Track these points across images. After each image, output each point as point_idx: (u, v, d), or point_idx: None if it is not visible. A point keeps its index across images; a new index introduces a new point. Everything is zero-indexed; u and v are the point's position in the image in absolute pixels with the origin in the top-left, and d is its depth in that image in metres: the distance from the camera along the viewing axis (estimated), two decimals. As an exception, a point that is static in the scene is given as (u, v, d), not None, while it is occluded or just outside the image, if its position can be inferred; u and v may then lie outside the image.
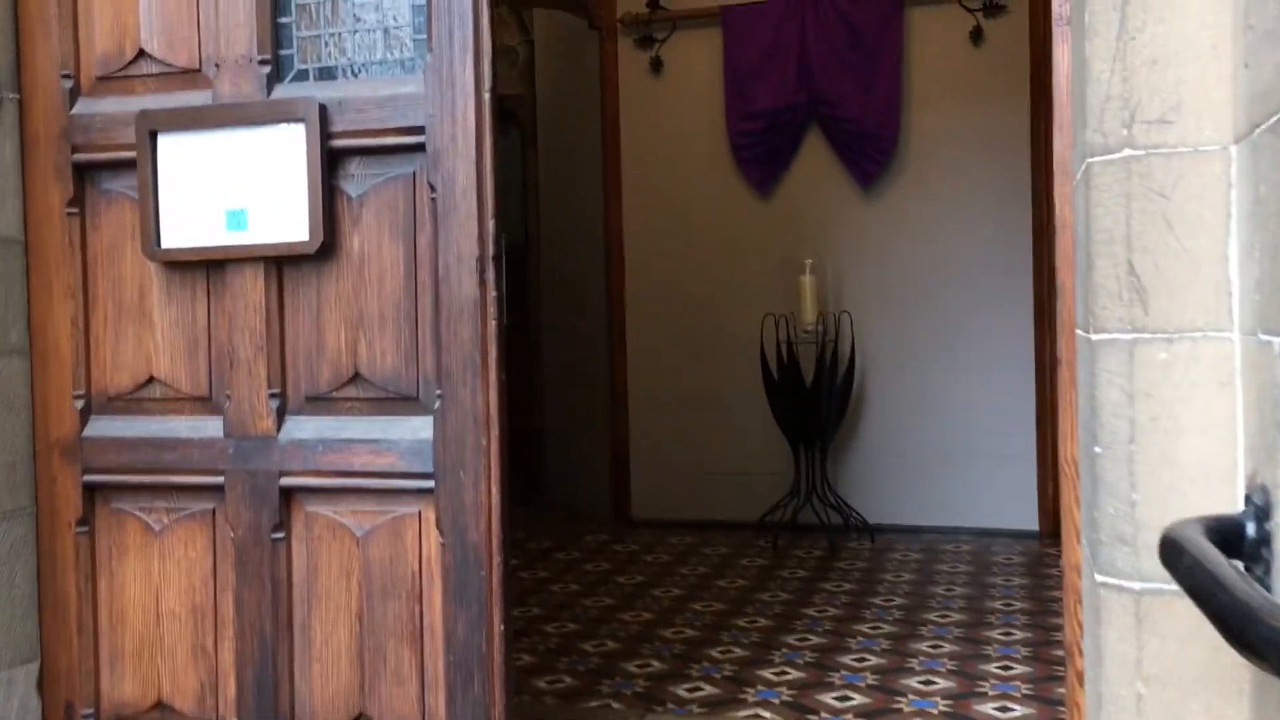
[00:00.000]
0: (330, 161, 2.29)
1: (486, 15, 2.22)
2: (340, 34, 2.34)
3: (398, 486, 2.27)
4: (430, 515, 2.26)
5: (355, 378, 2.31)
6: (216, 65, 2.35)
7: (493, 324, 2.22)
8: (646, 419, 6.26)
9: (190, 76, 2.39)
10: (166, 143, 2.36)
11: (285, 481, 2.32)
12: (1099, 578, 1.58)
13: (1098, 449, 1.58)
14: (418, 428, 2.26)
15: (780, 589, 4.74)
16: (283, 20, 2.36)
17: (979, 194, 5.73)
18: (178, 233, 2.36)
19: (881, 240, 5.85)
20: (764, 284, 5.94)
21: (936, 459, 5.80)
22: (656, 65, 6.16)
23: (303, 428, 2.32)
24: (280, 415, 2.33)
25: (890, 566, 5.10)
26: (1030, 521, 5.67)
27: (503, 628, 2.20)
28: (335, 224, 2.30)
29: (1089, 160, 1.58)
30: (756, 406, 5.90)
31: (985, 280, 5.72)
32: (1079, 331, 1.71)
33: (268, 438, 2.32)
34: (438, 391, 2.24)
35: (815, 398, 5.64)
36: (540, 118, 7.28)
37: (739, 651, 3.88)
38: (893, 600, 4.50)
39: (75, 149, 2.43)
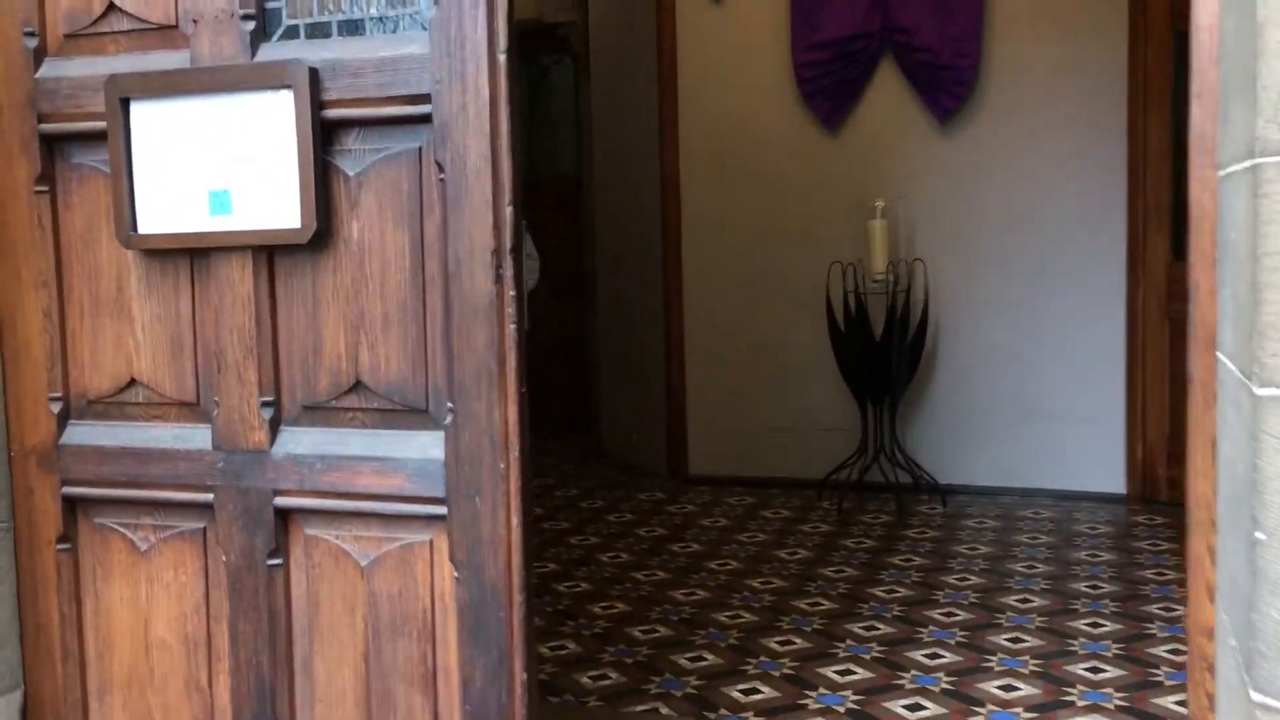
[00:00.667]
0: (324, 135, 1.97)
1: (501, -37, 1.87)
2: (335, -17, 2.01)
3: (406, 511, 1.98)
4: (443, 544, 1.97)
5: (357, 385, 2.01)
6: (194, 21, 2.03)
7: (511, 328, 1.90)
8: (704, 371, 5.93)
9: (166, 34, 2.07)
10: (140, 112, 2.05)
11: (281, 501, 2.04)
12: (1257, 696, 1.24)
13: (1259, 535, 1.23)
14: (427, 445, 1.96)
15: (845, 563, 4.43)
16: (269, -33, 2.03)
17: (1067, 129, 5.25)
18: (156, 216, 2.06)
19: (959, 180, 5.40)
20: (830, 228, 5.53)
21: (1015, 417, 5.41)
22: (716, -10, 5.71)
23: (299, 441, 2.03)
24: (274, 426, 2.04)
25: (964, 536, 4.76)
26: (1116, 484, 5.28)
27: (525, 677, 1.92)
28: (331, 208, 1.99)
29: (1261, 160, 1.20)
30: (821, 359, 5.54)
31: (1072, 224, 5.26)
32: (1236, 371, 1.35)
33: (260, 451, 2.04)
34: (449, 404, 1.94)
35: (885, 352, 5.26)
36: (594, 45, 6.87)
37: (799, 643, 3.58)
38: (967, 580, 4.17)
39: (42, 118, 2.13)
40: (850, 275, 5.30)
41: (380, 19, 1.98)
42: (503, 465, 1.91)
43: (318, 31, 2.01)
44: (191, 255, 2.07)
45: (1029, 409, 5.38)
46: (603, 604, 4.01)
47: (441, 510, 1.95)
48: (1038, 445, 5.39)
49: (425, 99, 1.91)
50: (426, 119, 1.92)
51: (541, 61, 7.95)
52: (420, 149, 1.95)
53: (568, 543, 4.83)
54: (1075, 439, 5.33)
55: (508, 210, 1.89)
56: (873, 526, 4.98)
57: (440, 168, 1.92)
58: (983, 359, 5.43)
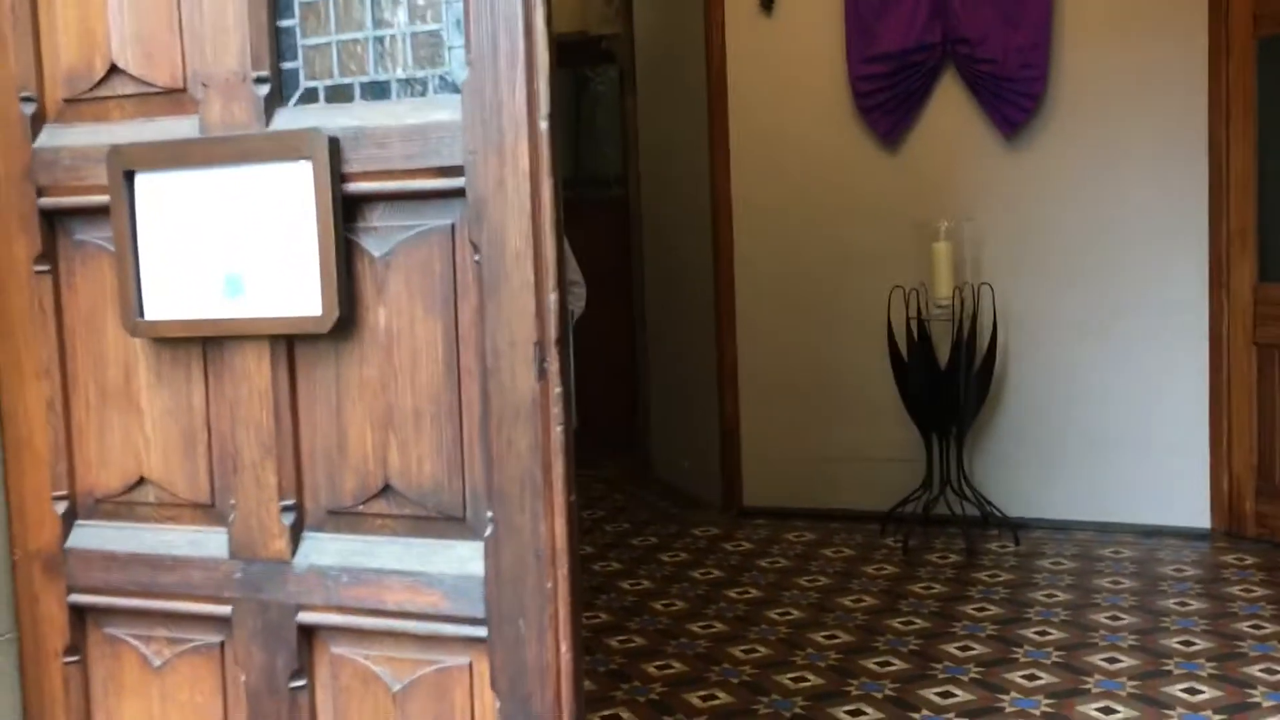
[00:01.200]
0: (346, 211, 1.76)
1: (541, 14, 1.65)
2: (357, 41, 1.79)
3: (442, 632, 1.77)
4: (483, 669, 1.75)
5: (386, 489, 1.80)
6: (204, 84, 1.83)
7: (557, 430, 1.68)
8: (759, 398, 5.69)
9: (174, 99, 1.87)
10: (145, 186, 1.85)
11: (304, 618, 1.83)
12: None
13: None
14: (465, 558, 1.75)
15: (914, 612, 4.17)
16: (283, 23, 1.81)
17: (1142, 144, 4.96)
18: (165, 301, 1.86)
19: (1028, 199, 5.12)
20: (891, 251, 5.27)
21: (1091, 447, 5.12)
22: (768, 2, 5.46)
23: (323, 550, 1.83)
24: (295, 533, 1.84)
25: (1040, 580, 4.48)
26: (1201, 519, 4.97)
27: (577, 824, 1.70)
28: (355, 292, 1.78)
29: None
30: (882, 387, 5.27)
31: (1149, 244, 4.97)
32: None
33: (281, 562, 1.84)
34: (489, 513, 1.72)
35: (951, 382, 4.99)
36: (639, 58, 6.65)
37: (870, 712, 3.34)
38: (1047, 634, 3.90)
39: (41, 191, 1.94)
40: (913, 301, 5.04)
41: (408, 81, 1.76)
42: (550, 584, 1.69)
43: (339, 95, 1.80)
44: (204, 343, 1.87)
45: (1106, 439, 5.09)
46: (658, 663, 3.79)
47: (481, 632, 1.74)
48: (1116, 477, 5.10)
49: (458, 171, 1.70)
50: (460, 193, 1.70)
51: (586, 74, 7.75)
52: (453, 226, 1.73)
53: (619, 588, 4.61)
54: (1155, 470, 5.03)
55: (552, 298, 1.67)
56: (941, 568, 4.72)
57: (475, 248, 1.70)
58: (1056, 387, 5.15)
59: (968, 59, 5.07)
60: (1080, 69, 5.00)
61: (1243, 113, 4.79)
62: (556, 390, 1.68)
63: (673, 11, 6.06)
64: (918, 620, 4.09)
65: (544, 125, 1.66)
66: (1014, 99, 5.04)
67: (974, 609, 4.18)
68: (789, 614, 4.22)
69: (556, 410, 1.68)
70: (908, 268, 5.15)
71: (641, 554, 5.08)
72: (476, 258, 1.71)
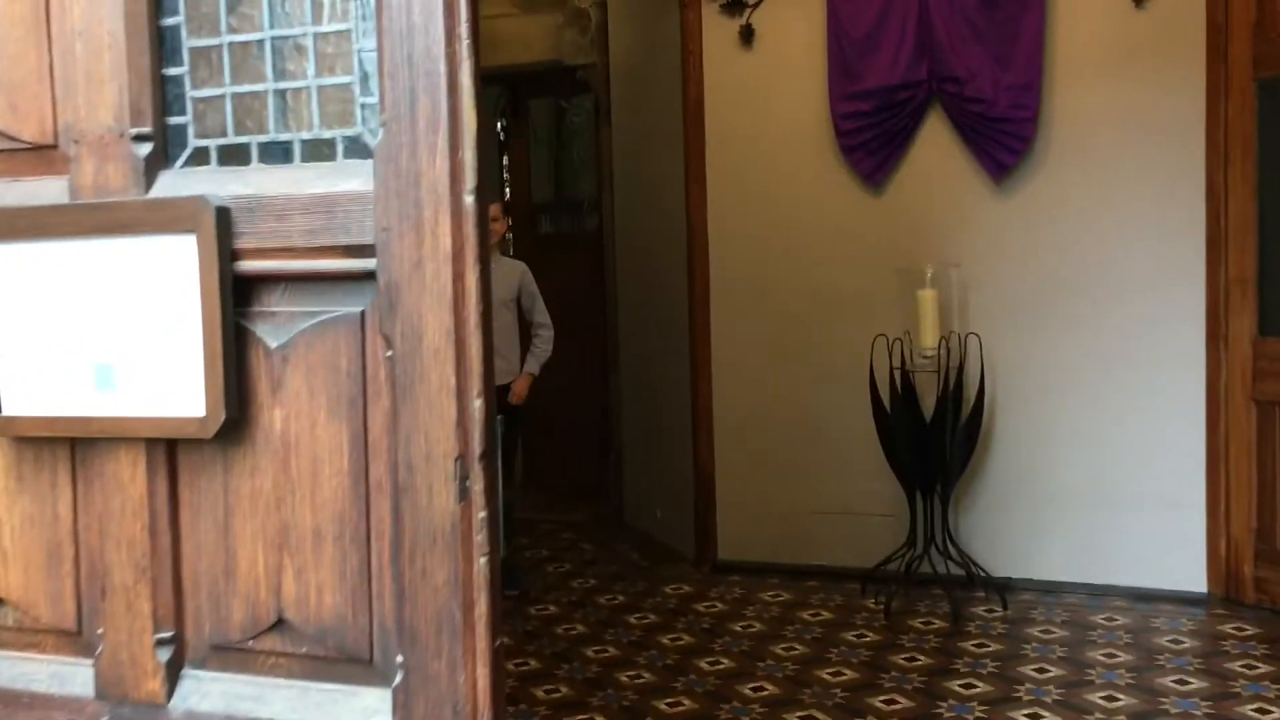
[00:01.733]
0: (238, 293, 1.49)
1: (468, 68, 1.39)
2: (255, 95, 1.52)
3: (343, 797, 1.48)
4: (393, 841, 1.47)
5: (280, 623, 1.52)
6: (75, 141, 1.56)
7: (481, 561, 1.41)
8: (735, 446, 5.43)
9: (43, 156, 1.60)
10: (4, 258, 1.57)
11: (183, 773, 1.55)
12: None
13: None
14: (371, 709, 1.47)
15: (897, 689, 3.90)
16: (170, 71, 1.55)
17: (1137, 189, 4.73)
18: (26, 394, 1.59)
19: (1017, 245, 4.88)
20: (875, 296, 5.02)
21: (1082, 505, 4.87)
22: (747, 34, 5.23)
23: (205, 693, 1.55)
24: (173, 672, 1.56)
25: (1030, 651, 4.21)
26: (1197, 582, 4.72)
27: None
28: (247, 389, 1.50)
29: None
30: (864, 439, 5.02)
31: (1144, 294, 4.73)
32: None
33: (154, 705, 1.55)
34: (399, 657, 1.45)
35: (936, 436, 4.74)
36: (615, 89, 6.41)
37: (849, 812, 3.07)
38: (1040, 716, 3.63)
39: (-110, 260, 1.66)
40: (897, 350, 4.79)
41: (314, 142, 1.50)
42: (470, 747, 1.41)
43: (233, 157, 1.53)
44: (72, 444, 1.59)
45: (1098, 497, 4.84)
46: (620, 749, 3.51)
47: (391, 798, 1.46)
48: (1108, 537, 4.84)
49: (369, 251, 1.43)
50: (370, 276, 1.44)
51: (561, 104, 7.50)
52: (363, 315, 1.47)
53: (584, 656, 4.32)
54: (1150, 531, 4.78)
55: (477, 404, 1.40)
56: (925, 635, 4.45)
57: (388, 342, 1.43)
58: (1046, 442, 4.90)
59: (956, 98, 4.84)
60: (1073, 110, 4.77)
61: (1242, 157, 4.57)
62: (481, 514, 1.41)
63: (649, 42, 5.83)
64: (901, 699, 3.82)
65: (469, 200, 1.40)
66: (1004, 140, 4.80)
67: (960, 685, 3.91)
68: (763, 689, 3.94)
69: (480, 538, 1.41)
70: (892, 314, 4.90)
71: (608, 614, 4.79)
72: (389, 353, 1.44)
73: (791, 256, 5.22)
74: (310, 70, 1.49)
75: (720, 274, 5.38)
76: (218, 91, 1.53)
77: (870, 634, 4.48)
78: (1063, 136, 4.79)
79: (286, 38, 1.49)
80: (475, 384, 1.40)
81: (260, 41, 1.50)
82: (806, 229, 5.19)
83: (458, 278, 1.40)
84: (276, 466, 1.50)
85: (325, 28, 1.48)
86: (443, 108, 1.39)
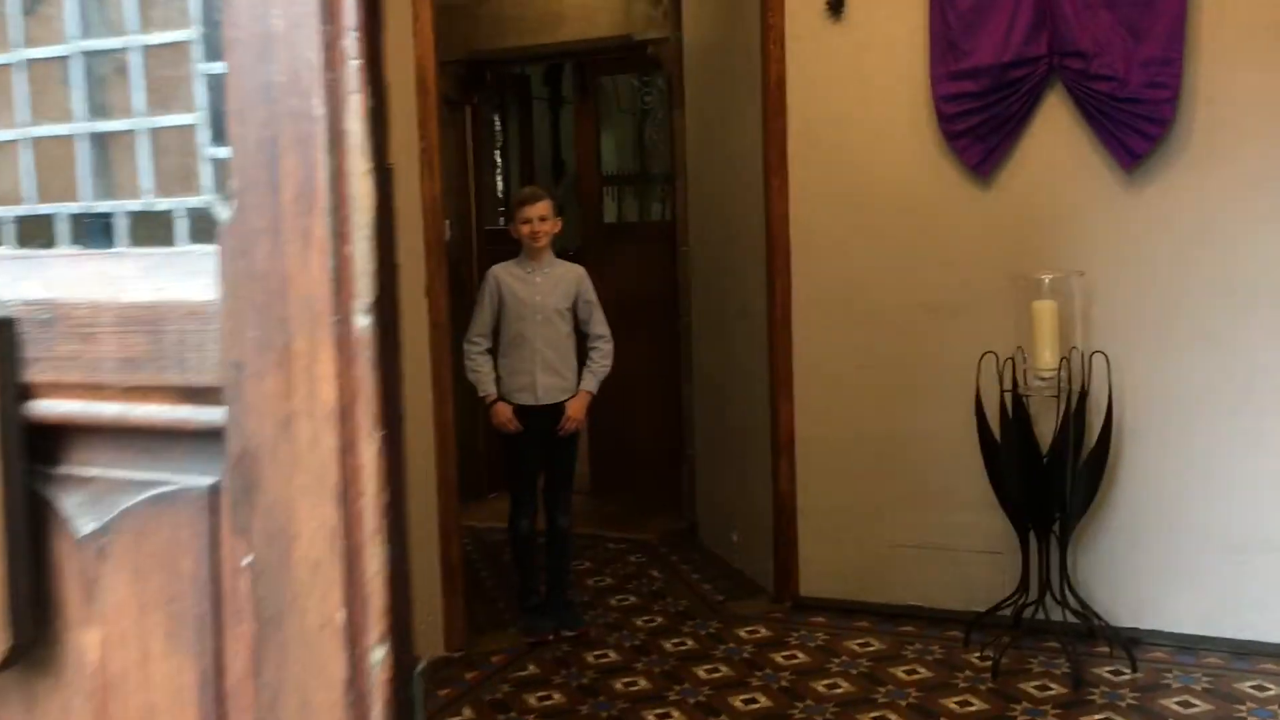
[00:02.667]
0: (33, 450, 0.96)
1: (356, 108, 0.83)
2: (59, 141, 0.99)
3: None
4: None
5: None
6: None
7: None
8: (820, 468, 4.85)
9: None
10: None
11: None
12: None
13: None
14: None
15: (1009, 782, 3.32)
16: (-55, 104, 1.02)
17: (1298, 180, 4.02)
18: None
19: (1151, 248, 4.21)
20: (983, 307, 4.39)
21: (1221, 548, 4.20)
22: (836, 5, 4.59)
23: None
24: None
25: (1166, 732, 3.59)
26: (1363, 644, 4.04)
27: None
28: (48, 597, 0.98)
29: None
30: (968, 465, 4.41)
31: (1304, 304, 4.03)
32: None
33: None
34: None
35: (1054, 469, 4.11)
36: (688, 68, 5.82)
37: None
38: (1185, 832, 3.03)
39: None
40: (1009, 370, 4.15)
41: (144, 216, 0.96)
42: None
43: (36, 232, 1.00)
44: None
45: (1240, 538, 4.18)
46: None
47: None
48: (1253, 585, 4.18)
49: (212, 396, 0.89)
50: (216, 436, 0.90)
51: (632, 82, 6.92)
52: (214, 490, 0.93)
53: (642, 718, 3.80)
54: (1306, 582, 4.10)
55: (376, 655, 0.86)
56: (1041, 703, 3.84)
57: (247, 542, 0.90)
58: (1181, 476, 4.23)
59: (1080, 76, 4.17)
60: (1219, 90, 4.07)
61: None
62: (388, 834, 0.87)
63: (725, 14, 5.22)
64: (1014, 797, 3.24)
65: (363, 322, 0.85)
66: (1137, 125, 4.12)
67: (1086, 780, 3.32)
68: (850, 777, 3.38)
69: None
70: (1003, 328, 4.27)
71: (675, 665, 4.26)
72: (248, 559, 0.90)
73: (886, 258, 4.60)
74: (140, 105, 0.95)
75: (804, 276, 4.79)
76: (10, 135, 1.00)
77: (976, 700, 3.89)
78: (1207, 121, 4.09)
79: (103, 53, 0.96)
80: (376, 623, 0.86)
81: (66, 58, 0.97)
82: (903, 227, 4.56)
83: (347, 449, 0.85)
84: (93, 711, 0.98)
85: (157, 37, 0.94)
86: (320, 171, 0.84)
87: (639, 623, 4.73)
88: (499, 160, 7.52)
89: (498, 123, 7.55)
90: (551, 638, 4.52)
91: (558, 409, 4.51)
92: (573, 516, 4.72)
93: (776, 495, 4.93)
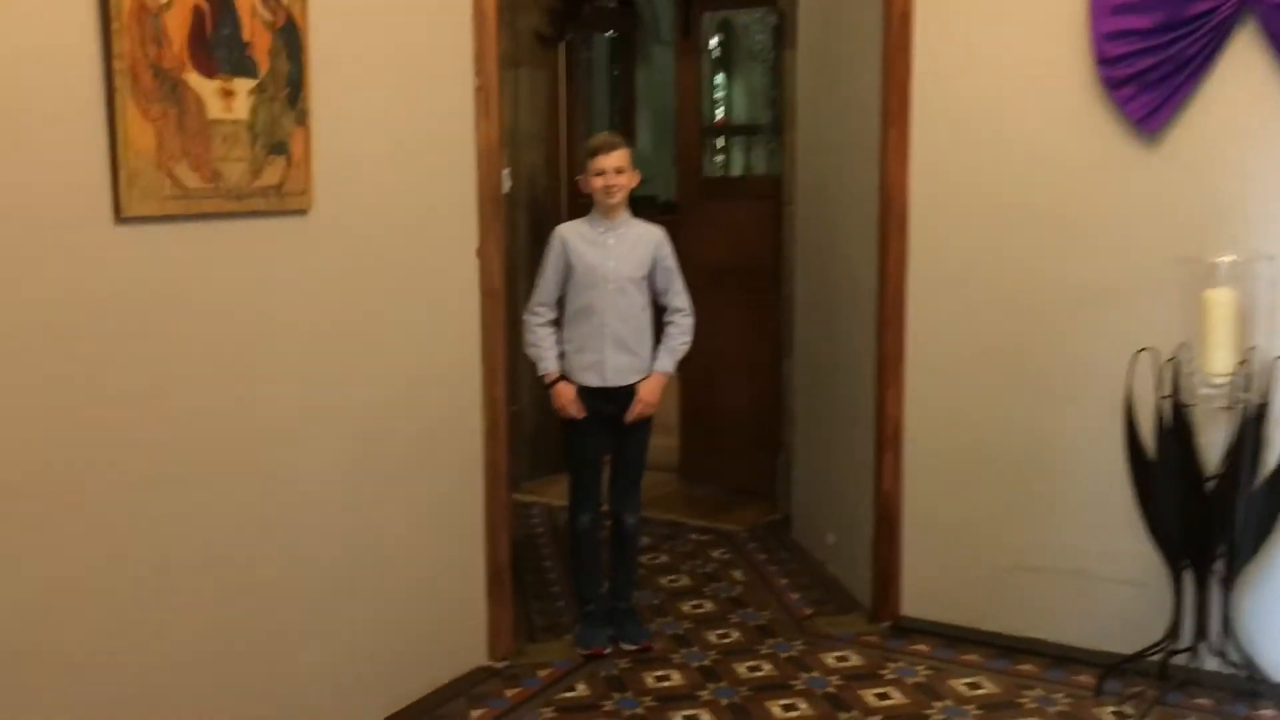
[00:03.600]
0: None
1: None
2: None
3: None
4: None
5: None
6: None
7: None
8: (930, 472, 4.16)
9: None
10: None
11: None
12: None
13: None
14: None
15: None
16: None
17: None
18: None
19: (1362, 227, 3.40)
20: (1140, 294, 3.63)
21: None
22: (976, -77, 3.84)
23: None
24: None
25: (1354, 841, 2.86)
26: None
27: None
28: None
29: None
30: (1109, 480, 3.69)
31: None
32: None
33: None
34: None
35: (1221, 494, 3.36)
36: (802, 6, 5.10)
37: None
38: None
39: None
40: (1170, 372, 3.40)
41: None
42: None
43: None
44: None
45: None
46: None
47: None
48: None
49: None
50: None
51: (738, 21, 6.21)
52: None
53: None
54: None
55: None
56: (1190, 784, 3.14)
57: None
58: (1383, 511, 3.43)
59: (1278, 11, 3.35)
60: None
61: None
62: None
63: (845, -62, 4.49)
64: None
65: None
66: (1352, 73, 3.30)
67: None
68: None
69: None
70: (1165, 322, 3.51)
71: (746, 696, 3.66)
72: None
73: (1022, 231, 3.86)
74: None
75: (923, 248, 4.07)
76: None
77: (1109, 773, 3.20)
78: None
79: None
80: None
81: None
82: (1045, 194, 3.81)
83: None
84: None
85: None
86: None
87: (712, 638, 4.13)
88: (594, 103, 6.91)
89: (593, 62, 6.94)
90: (608, 651, 3.96)
91: (627, 391, 3.91)
92: (640, 514, 4.14)
93: (878, 496, 4.27)
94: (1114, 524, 3.75)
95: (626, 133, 7.61)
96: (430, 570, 3.64)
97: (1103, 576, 3.83)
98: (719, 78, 7.76)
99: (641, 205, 4.29)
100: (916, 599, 4.22)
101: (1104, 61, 3.61)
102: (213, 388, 2.86)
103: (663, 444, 6.61)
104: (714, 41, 6.65)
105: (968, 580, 4.11)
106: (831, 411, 4.79)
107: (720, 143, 6.74)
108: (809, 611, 4.38)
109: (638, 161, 4.03)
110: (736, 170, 6.17)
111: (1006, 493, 4.00)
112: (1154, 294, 3.57)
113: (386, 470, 3.42)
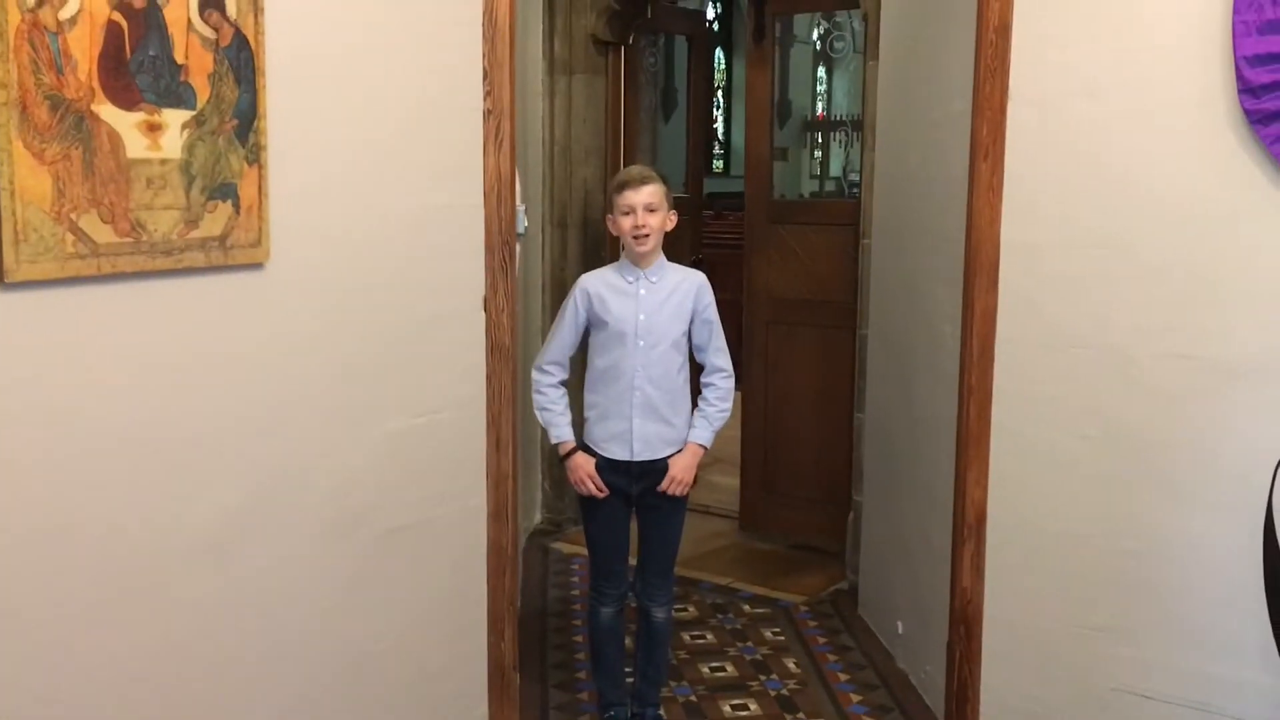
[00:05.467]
0: None
1: None
2: None
3: None
4: None
5: None
6: None
7: None
8: (1018, 568, 3.51)
9: None
10: None
11: None
12: None
13: None
14: None
15: None
16: None
17: None
18: None
19: None
20: (1286, 375, 2.94)
21: None
22: (1092, -83, 3.17)
23: None
24: None
25: None
26: None
27: None
28: None
29: None
30: (1245, 600, 3.01)
31: None
32: None
33: None
34: None
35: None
36: (886, 7, 4.46)
37: None
38: None
39: None
40: (1325, 481, 2.72)
41: None
42: None
43: None
44: None
45: None
46: None
47: None
48: None
49: None
50: None
51: (818, 26, 5.57)
52: None
53: None
54: None
55: None
56: None
57: None
58: None
59: None
60: None
61: None
62: None
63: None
64: None
65: None
66: None
67: None
68: None
69: None
70: (1318, 414, 2.82)
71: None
72: None
73: (1142, 290, 3.18)
74: None
75: (1017, 304, 3.42)
76: None
77: None
78: None
79: None
80: None
81: None
82: (1173, 248, 3.12)
83: None
84: None
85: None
86: None
87: (752, 752, 3.56)
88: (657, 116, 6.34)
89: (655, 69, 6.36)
90: (629, 770, 3.40)
91: (652, 466, 3.34)
92: (672, 607, 3.57)
93: (956, 592, 3.63)
94: (1247, 651, 3.07)
95: (698, 150, 7.02)
96: (421, 673, 3.11)
97: (1231, 714, 3.15)
98: (820, 71, 7.28)
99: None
100: (999, 713, 3.58)
101: (1247, 91, 2.92)
102: (137, 485, 2.35)
103: (723, 483, 6.06)
104: (815, 34, 6.17)
105: (1060, 702, 3.44)
106: (905, 483, 4.17)
107: (818, 136, 6.22)
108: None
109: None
110: (814, 194, 5.53)
111: (1110, 600, 3.33)
112: (1307, 379, 2.89)
113: (368, 565, 2.90)
